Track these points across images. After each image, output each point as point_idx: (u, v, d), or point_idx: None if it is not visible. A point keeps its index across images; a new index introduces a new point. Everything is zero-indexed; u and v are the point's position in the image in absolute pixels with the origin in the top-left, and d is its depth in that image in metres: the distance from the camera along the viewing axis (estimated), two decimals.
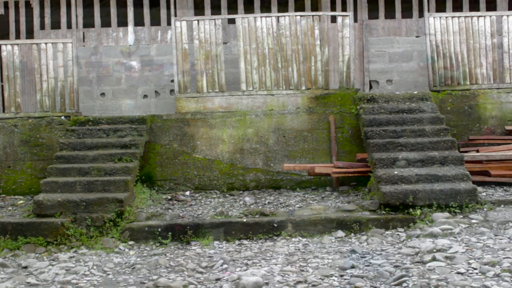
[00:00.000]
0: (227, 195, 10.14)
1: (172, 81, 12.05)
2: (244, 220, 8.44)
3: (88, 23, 12.54)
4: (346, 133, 10.50)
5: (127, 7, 12.52)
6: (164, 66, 12.45)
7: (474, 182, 8.94)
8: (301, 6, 12.44)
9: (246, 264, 7.11)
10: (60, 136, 10.50)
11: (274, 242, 8.03)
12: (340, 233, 8.18)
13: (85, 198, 8.71)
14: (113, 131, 10.31)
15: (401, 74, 12.45)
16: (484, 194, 9.01)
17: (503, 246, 6.79)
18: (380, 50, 12.46)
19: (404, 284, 5.86)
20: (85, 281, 6.79)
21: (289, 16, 10.77)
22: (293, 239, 8.11)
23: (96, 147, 9.99)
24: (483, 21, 10.75)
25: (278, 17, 10.79)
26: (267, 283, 6.29)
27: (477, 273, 5.98)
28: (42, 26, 12.51)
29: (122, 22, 12.57)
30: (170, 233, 8.35)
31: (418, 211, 8.30)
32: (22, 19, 12.42)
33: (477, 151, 9.92)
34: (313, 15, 10.82)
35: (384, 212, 8.48)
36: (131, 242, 8.34)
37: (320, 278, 6.35)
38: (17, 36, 12.36)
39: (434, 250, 6.75)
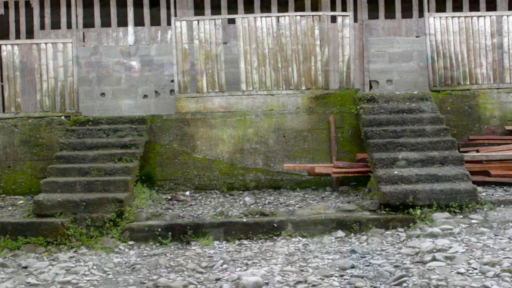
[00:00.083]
0: (227, 195, 10.14)
1: (172, 81, 12.05)
2: (244, 220, 8.44)
3: (88, 23, 12.54)
4: (346, 133, 10.50)
5: (127, 7, 12.52)
6: (164, 66, 12.45)
7: (474, 182, 8.94)
8: (301, 6, 12.44)
9: (246, 264, 7.11)
10: (60, 136, 10.50)
11: (274, 242, 8.03)
12: (340, 233, 8.18)
13: (85, 198, 8.71)
14: (113, 131, 10.31)
15: (401, 74, 12.45)
16: (484, 194, 9.01)
17: (503, 246, 6.80)
18: (380, 50, 12.46)
19: (404, 284, 5.86)
20: (85, 281, 6.79)
21: (289, 16, 10.77)
22: (293, 239, 8.11)
23: (96, 147, 9.99)
24: (483, 21, 10.75)
25: (278, 17, 10.79)
26: (267, 283, 6.29)
27: (477, 273, 5.98)
28: (42, 26, 12.51)
29: (122, 22, 12.57)
30: (170, 233, 8.35)
31: (418, 211, 8.30)
32: (22, 19, 12.42)
33: (477, 151, 9.92)
34: (313, 15, 10.82)
35: (384, 212, 8.48)
36: (131, 242, 8.34)
37: (320, 278, 6.35)
38: (17, 36, 12.36)
39: (434, 250, 6.76)
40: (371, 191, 9.26)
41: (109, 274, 7.09)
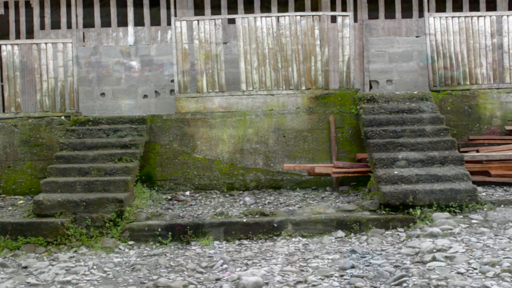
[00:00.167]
0: (227, 195, 10.14)
1: (172, 81, 12.05)
2: (244, 220, 8.44)
3: (88, 23, 12.54)
4: (346, 133, 10.50)
5: (127, 7, 12.52)
6: (164, 66, 12.45)
7: (474, 182, 8.94)
8: (301, 6, 12.44)
9: (246, 264, 7.11)
10: (60, 136, 10.50)
11: (274, 242, 8.03)
12: (340, 233, 8.18)
13: (85, 198, 8.71)
14: (113, 131, 10.31)
15: (401, 74, 12.44)
16: (484, 194, 9.01)
17: (503, 246, 6.80)
18: (380, 50, 12.46)
19: (404, 284, 5.86)
20: (85, 281, 6.79)
21: (289, 16, 10.77)
22: (293, 239, 8.11)
23: (96, 147, 9.99)
24: (483, 21, 10.75)
25: (278, 17, 10.79)
26: (267, 283, 6.29)
27: (477, 273, 5.98)
28: (42, 26, 12.51)
29: (122, 22, 12.57)
30: (170, 233, 8.35)
31: (418, 211, 8.30)
32: (22, 19, 12.42)
33: (477, 151, 9.92)
34: (313, 15, 10.82)
35: (384, 212, 8.48)
36: (131, 242, 8.34)
37: (320, 278, 6.35)
38: (17, 36, 12.36)
39: (434, 250, 6.76)
40: (371, 191, 9.26)
41: (109, 274, 7.09)
